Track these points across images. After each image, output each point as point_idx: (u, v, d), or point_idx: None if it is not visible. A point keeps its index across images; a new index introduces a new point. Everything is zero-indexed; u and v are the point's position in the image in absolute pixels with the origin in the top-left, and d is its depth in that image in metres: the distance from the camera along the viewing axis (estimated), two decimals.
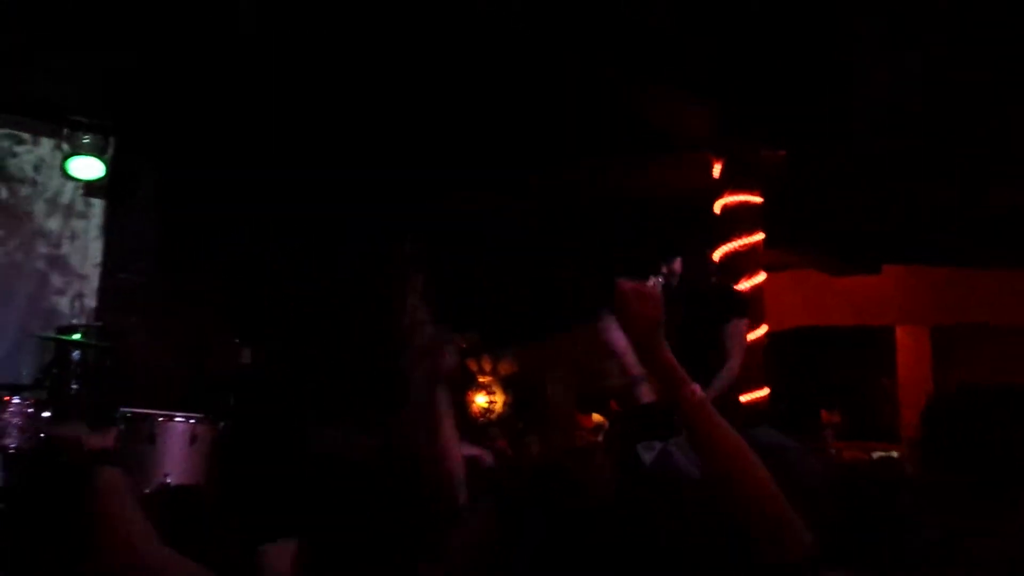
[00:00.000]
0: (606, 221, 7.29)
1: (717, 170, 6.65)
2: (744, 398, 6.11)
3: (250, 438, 5.40)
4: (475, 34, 5.08)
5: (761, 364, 6.28)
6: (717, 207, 6.62)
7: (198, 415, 5.05)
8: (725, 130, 6.31)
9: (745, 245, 6.45)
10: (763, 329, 6.34)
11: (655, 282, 4.25)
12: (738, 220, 6.51)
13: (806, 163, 6.62)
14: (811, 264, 9.06)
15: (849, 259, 8.73)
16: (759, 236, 6.49)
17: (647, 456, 3.64)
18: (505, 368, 8.24)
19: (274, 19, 5.11)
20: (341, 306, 6.29)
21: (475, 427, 8.00)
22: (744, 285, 6.34)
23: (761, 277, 6.44)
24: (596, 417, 8.06)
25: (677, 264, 4.44)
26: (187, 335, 6.09)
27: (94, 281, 6.74)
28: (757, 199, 6.54)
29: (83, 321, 6.25)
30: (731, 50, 5.29)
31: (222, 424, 5.18)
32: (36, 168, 6.64)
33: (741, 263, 6.42)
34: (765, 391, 6.22)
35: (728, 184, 6.56)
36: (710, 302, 4.43)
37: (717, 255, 6.53)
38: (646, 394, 4.11)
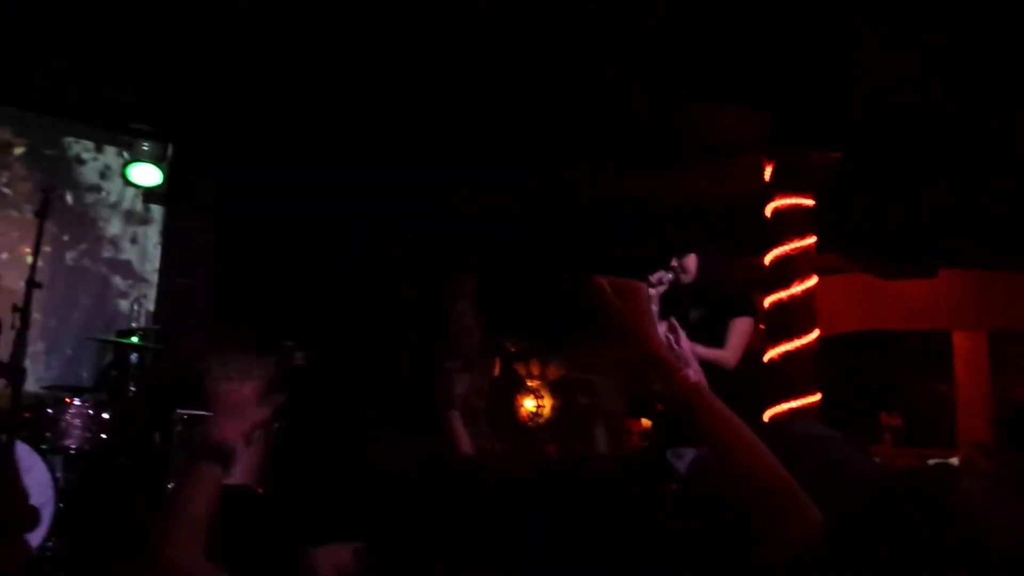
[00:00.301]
0: (652, 226, 7.26)
1: (768, 173, 6.59)
2: (794, 404, 6.05)
3: (303, 440, 5.49)
4: (543, 44, 5.11)
5: (812, 369, 6.21)
6: (768, 210, 6.56)
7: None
8: (776, 133, 6.26)
9: (796, 249, 6.37)
10: (815, 334, 6.26)
11: (663, 276, 4.24)
12: (789, 223, 6.43)
13: (860, 165, 6.53)
14: (865, 268, 8.91)
15: (904, 262, 8.58)
16: (811, 239, 6.42)
17: (679, 464, 3.62)
18: (553, 372, 8.26)
19: (319, 23, 5.18)
20: (393, 309, 6.36)
21: (523, 431, 8.03)
22: (795, 289, 6.27)
23: (813, 281, 6.36)
24: (645, 422, 8.03)
25: (690, 260, 4.41)
26: (242, 337, 6.21)
27: (154, 285, 6.92)
28: (809, 202, 6.47)
29: (143, 324, 6.41)
30: (781, 53, 5.25)
31: (276, 426, 5.28)
32: (101, 175, 6.85)
33: (792, 267, 6.35)
34: (817, 396, 6.14)
35: (779, 187, 6.50)
36: (716, 302, 4.42)
37: (768, 259, 6.47)
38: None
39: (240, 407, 1.72)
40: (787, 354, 6.20)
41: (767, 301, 6.43)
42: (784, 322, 6.29)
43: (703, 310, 4.37)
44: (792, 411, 6.01)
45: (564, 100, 5.82)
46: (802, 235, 6.41)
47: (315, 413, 5.71)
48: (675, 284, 4.31)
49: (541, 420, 8.19)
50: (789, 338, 6.21)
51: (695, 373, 1.53)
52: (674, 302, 4.30)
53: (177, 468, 4.93)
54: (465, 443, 2.31)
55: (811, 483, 1.36)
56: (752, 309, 4.59)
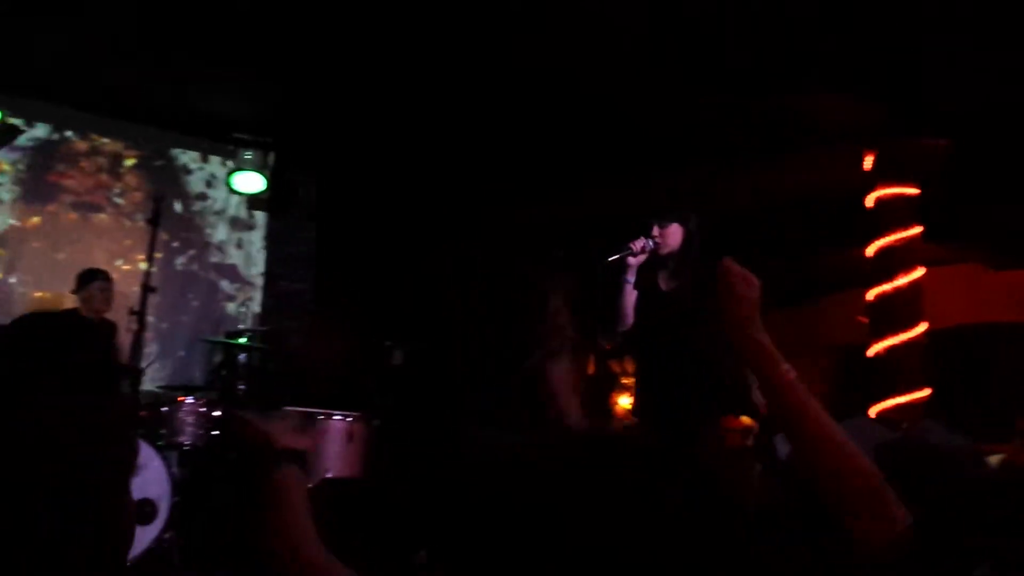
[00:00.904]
0: (748, 220, 7.13)
1: (869, 162, 6.41)
2: (901, 400, 5.87)
3: (402, 437, 5.60)
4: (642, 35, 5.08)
5: (920, 364, 6.01)
6: (870, 200, 6.38)
7: (355, 414, 5.29)
8: (885, 122, 6.07)
9: (901, 239, 6.18)
10: (922, 327, 6.06)
11: (645, 244, 3.98)
12: (893, 213, 6.24)
13: (969, 152, 6.28)
14: (974, 258, 8.57)
15: (1015, 252, 8.21)
16: (917, 229, 6.21)
17: (783, 449, 3.54)
18: None
19: (417, 33, 5.28)
20: (489, 308, 6.42)
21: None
22: (900, 281, 6.08)
23: (919, 272, 6.16)
24: (745, 419, 7.89)
25: (671, 231, 4.05)
26: (343, 337, 6.38)
27: (259, 288, 7.18)
28: (914, 191, 6.26)
29: (249, 325, 6.65)
30: (889, 43, 5.10)
31: (376, 423, 5.41)
32: (207, 184, 7.14)
33: (897, 258, 6.16)
34: (925, 392, 5.94)
35: (882, 176, 6.31)
36: (690, 276, 4.06)
37: (870, 250, 6.29)
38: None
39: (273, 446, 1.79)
40: (892, 348, 6.02)
41: (871, 294, 6.25)
42: (889, 315, 6.11)
43: (676, 282, 4.07)
44: (899, 407, 5.84)
45: (668, 99, 5.77)
46: (907, 225, 6.21)
47: (413, 409, 5.82)
48: (654, 254, 4.03)
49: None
50: (894, 332, 6.03)
51: (792, 369, 1.52)
52: (649, 271, 4.08)
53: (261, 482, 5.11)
54: (576, 417, 2.29)
55: (942, 495, 1.34)
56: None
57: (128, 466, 1.28)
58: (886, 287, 6.13)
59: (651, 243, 4.00)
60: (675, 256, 4.05)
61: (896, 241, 6.20)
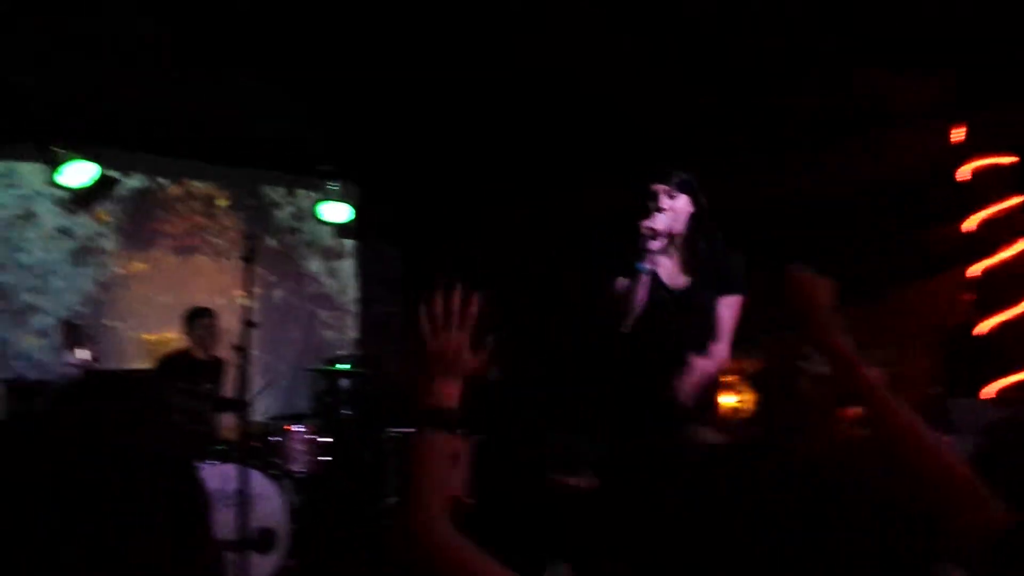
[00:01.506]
0: (839, 205, 6.96)
1: (957, 135, 6.20)
2: (1013, 379, 5.63)
3: (503, 453, 5.64)
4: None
5: None
6: (964, 173, 6.16)
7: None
8: (966, 94, 5.87)
9: (1003, 210, 5.95)
10: None
11: (658, 224, 3.27)
12: (991, 185, 6.02)
13: None
14: None
15: None
16: (1017, 199, 5.97)
17: None
18: (751, 365, 8.06)
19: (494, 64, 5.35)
20: (579, 319, 6.42)
21: (725, 429, 7.87)
22: (1006, 254, 5.85)
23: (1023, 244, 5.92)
24: (855, 410, 7.69)
25: (680, 203, 3.33)
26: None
27: (354, 314, 7.35)
28: (1010, 159, 6.02)
29: (347, 352, 6.80)
30: (969, 14, 4.93)
31: (477, 439, 5.46)
32: (296, 217, 7.35)
33: (999, 230, 5.93)
34: None
35: (975, 148, 6.09)
36: (706, 271, 3.42)
37: (969, 224, 6.08)
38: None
39: (451, 359, 1.60)
40: (1002, 325, 5.79)
41: (974, 269, 6.03)
42: (996, 290, 5.88)
43: (687, 279, 3.41)
44: (1012, 386, 5.60)
45: (741, 83, 5.69)
46: (1006, 195, 5.98)
47: (513, 425, 5.85)
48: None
49: (743, 415, 8.01)
50: (1003, 307, 5.80)
51: (875, 370, 1.53)
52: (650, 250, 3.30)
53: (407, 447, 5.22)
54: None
55: None
56: (745, 286, 3.51)
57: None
58: (990, 261, 5.91)
59: (664, 219, 3.28)
60: (684, 240, 3.38)
61: (997, 212, 5.97)
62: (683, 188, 3.34)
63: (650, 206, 3.31)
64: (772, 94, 5.88)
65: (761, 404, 8.05)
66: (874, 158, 6.72)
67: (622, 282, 3.31)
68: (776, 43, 5.30)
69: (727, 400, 8.26)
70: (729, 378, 8.19)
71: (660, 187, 3.32)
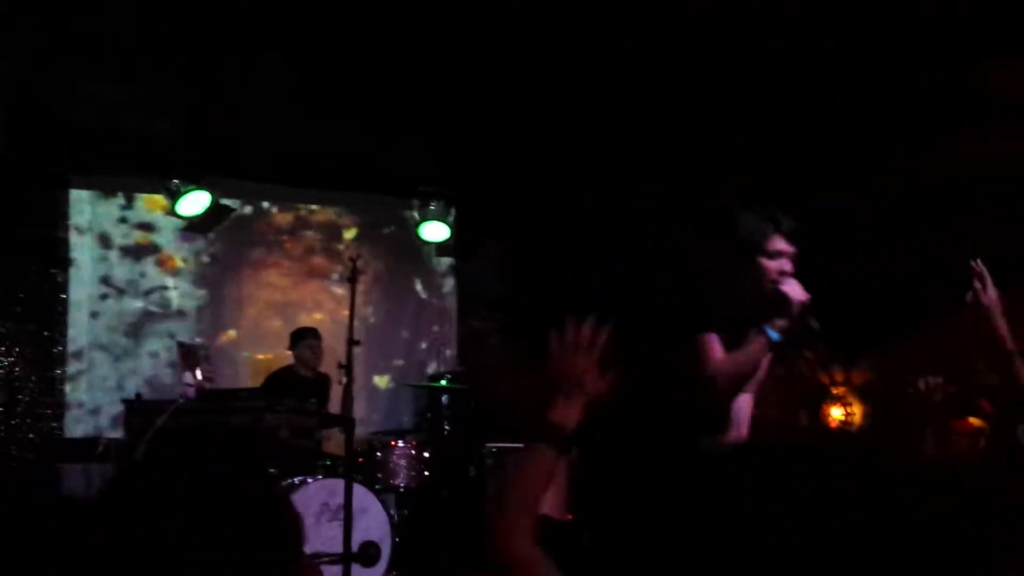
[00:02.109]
0: (944, 201, 6.67)
1: None
2: None
3: (602, 467, 5.62)
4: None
5: None
6: None
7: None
8: None
9: None
10: None
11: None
12: None
13: None
14: None
15: None
16: None
17: None
18: (859, 376, 7.81)
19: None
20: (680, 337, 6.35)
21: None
22: None
23: None
24: (974, 421, 7.35)
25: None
26: (534, 371, 6.49)
27: (454, 330, 7.48)
28: None
29: (448, 368, 6.93)
30: None
31: (575, 453, 5.46)
32: (397, 237, 7.53)
33: None
34: None
35: None
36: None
37: None
38: None
39: (578, 380, 1.67)
40: None
41: None
42: None
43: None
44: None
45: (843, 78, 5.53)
46: None
47: (610, 439, 5.82)
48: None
49: (853, 428, 7.75)
50: None
51: None
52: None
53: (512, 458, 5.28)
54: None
55: None
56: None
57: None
58: None
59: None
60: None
61: None
62: (792, 239, 2.93)
63: (777, 263, 2.89)
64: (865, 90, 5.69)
65: (870, 416, 7.79)
66: (983, 150, 6.44)
67: (712, 340, 2.87)
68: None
69: (836, 412, 8.01)
70: (837, 391, 7.95)
71: (786, 244, 2.90)
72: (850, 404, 7.73)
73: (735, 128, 5.98)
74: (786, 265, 2.88)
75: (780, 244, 2.90)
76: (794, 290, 2.80)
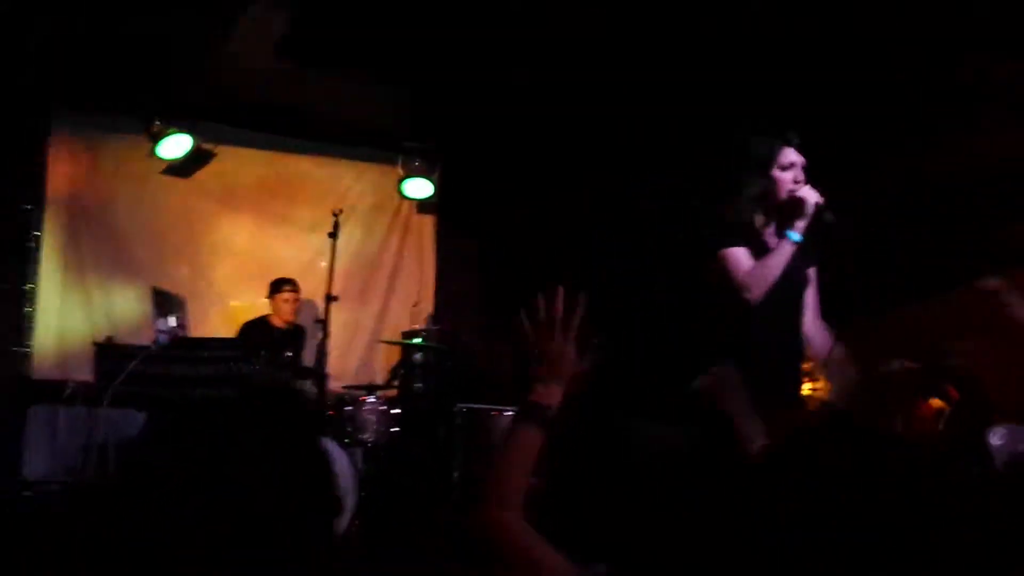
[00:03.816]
0: (934, 193, 6.71)
1: None
2: None
3: (575, 433, 5.68)
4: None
5: None
6: None
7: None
8: None
9: None
10: None
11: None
12: None
13: None
14: None
15: None
16: None
17: (1000, 444, 3.29)
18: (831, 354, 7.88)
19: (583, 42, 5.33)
20: (653, 304, 6.39)
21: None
22: None
23: None
24: (935, 402, 7.46)
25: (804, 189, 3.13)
26: (510, 335, 6.51)
27: (431, 289, 7.47)
28: None
29: (423, 326, 6.93)
30: None
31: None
32: (378, 192, 7.47)
33: None
34: None
35: None
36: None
37: None
38: None
39: (560, 362, 1.69)
40: None
41: None
42: None
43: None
44: None
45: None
46: None
47: (585, 406, 5.87)
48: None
49: (818, 403, 7.84)
50: None
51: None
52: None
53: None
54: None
55: None
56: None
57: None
58: None
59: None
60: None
61: None
62: (800, 151, 3.19)
63: (791, 173, 3.15)
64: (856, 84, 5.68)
65: (836, 393, 7.88)
66: (978, 148, 6.46)
67: (736, 252, 3.10)
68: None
69: (803, 388, 8.10)
70: (805, 366, 8.03)
71: (796, 155, 3.16)
72: (818, 380, 7.82)
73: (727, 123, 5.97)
74: (799, 174, 3.16)
75: (791, 156, 3.17)
76: (808, 193, 3.11)
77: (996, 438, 3.35)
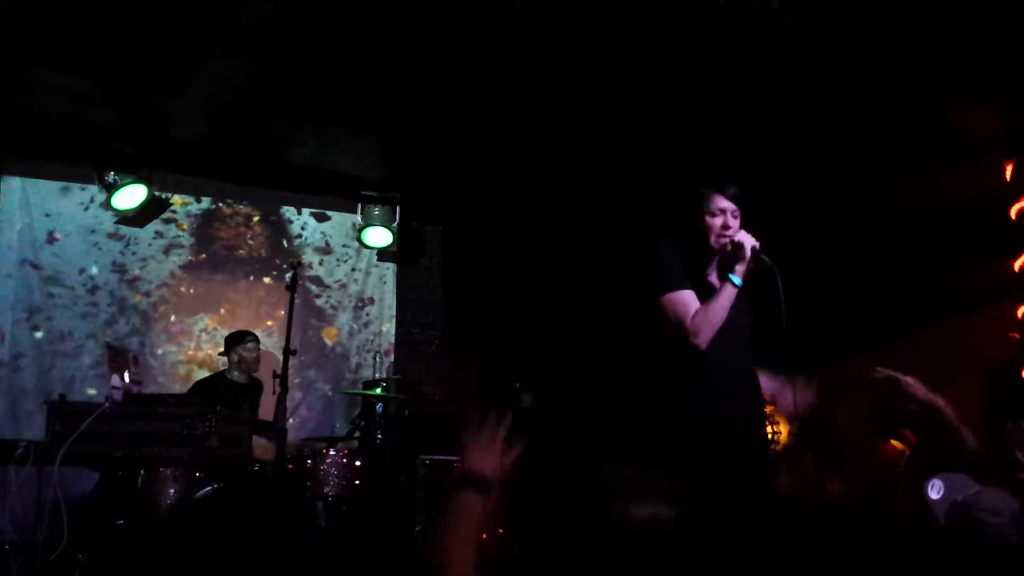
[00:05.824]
0: (891, 235, 6.85)
1: (1009, 173, 6.07)
2: None
3: (539, 479, 5.64)
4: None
5: None
6: (1013, 212, 6.04)
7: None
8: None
9: None
10: None
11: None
12: None
13: None
14: None
15: None
16: None
17: (938, 498, 3.30)
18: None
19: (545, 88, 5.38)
20: (615, 347, 6.42)
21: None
22: None
23: None
24: (895, 444, 7.54)
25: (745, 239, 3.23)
26: (473, 383, 6.50)
27: (392, 338, 7.42)
28: None
29: (384, 375, 6.87)
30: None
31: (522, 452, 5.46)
32: (338, 240, 7.45)
33: None
34: None
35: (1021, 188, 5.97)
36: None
37: (1018, 265, 5.96)
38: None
39: (490, 449, 1.86)
40: None
41: (1022, 310, 5.91)
42: None
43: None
44: None
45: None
46: None
47: (548, 451, 5.85)
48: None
49: (778, 448, 7.89)
50: None
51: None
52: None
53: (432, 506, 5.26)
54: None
55: None
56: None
57: None
58: None
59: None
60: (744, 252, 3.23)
61: None
62: (739, 203, 3.31)
63: (721, 219, 3.27)
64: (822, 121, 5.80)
65: (795, 436, 7.92)
66: (931, 191, 6.62)
67: (683, 295, 3.19)
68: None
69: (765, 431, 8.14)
70: (767, 409, 8.08)
71: (726, 202, 3.29)
72: (776, 423, 7.86)
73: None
74: (729, 220, 3.28)
75: (721, 203, 3.29)
76: (745, 238, 3.22)
77: (934, 492, 3.25)
